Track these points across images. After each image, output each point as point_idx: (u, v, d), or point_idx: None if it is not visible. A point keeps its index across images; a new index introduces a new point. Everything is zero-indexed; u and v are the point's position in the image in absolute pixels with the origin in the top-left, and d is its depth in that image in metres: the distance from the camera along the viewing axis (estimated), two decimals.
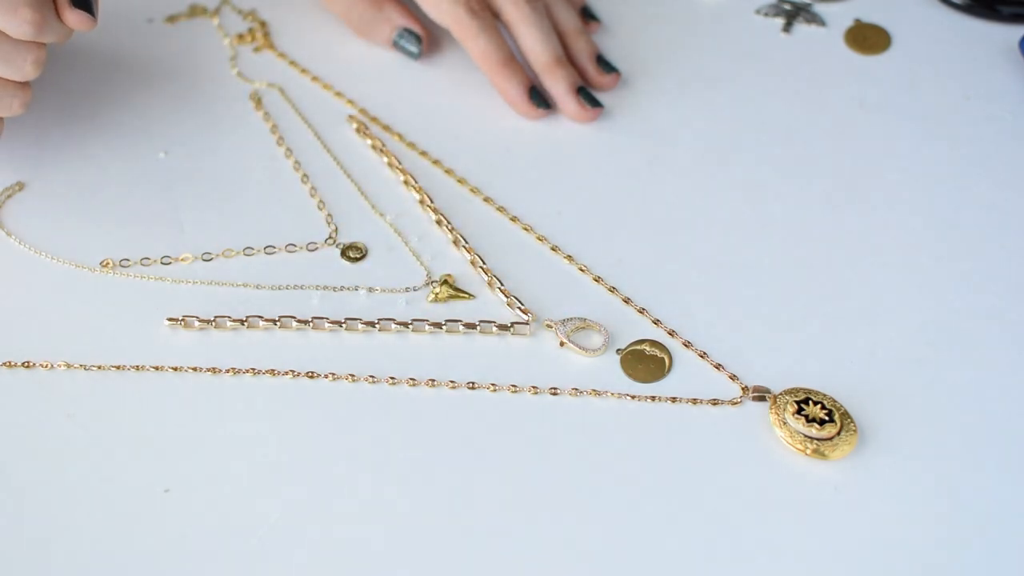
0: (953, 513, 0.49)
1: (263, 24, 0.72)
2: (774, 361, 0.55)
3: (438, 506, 0.50)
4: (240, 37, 0.71)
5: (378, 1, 0.68)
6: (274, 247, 0.60)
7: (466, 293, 0.58)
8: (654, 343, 0.55)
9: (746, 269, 0.58)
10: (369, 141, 0.65)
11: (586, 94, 0.65)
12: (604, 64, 0.67)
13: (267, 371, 0.54)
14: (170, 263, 0.59)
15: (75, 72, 0.68)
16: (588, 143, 0.65)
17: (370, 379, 0.54)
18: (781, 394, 0.53)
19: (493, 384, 0.54)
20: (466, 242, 0.59)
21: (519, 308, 0.56)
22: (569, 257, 0.59)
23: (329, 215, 0.61)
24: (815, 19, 0.71)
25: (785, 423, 0.52)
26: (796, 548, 0.48)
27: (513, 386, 0.54)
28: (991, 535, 0.49)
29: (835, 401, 0.52)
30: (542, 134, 0.65)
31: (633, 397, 0.53)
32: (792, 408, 0.52)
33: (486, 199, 0.62)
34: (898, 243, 0.59)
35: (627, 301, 0.57)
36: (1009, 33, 0.70)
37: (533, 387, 0.54)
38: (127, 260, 0.59)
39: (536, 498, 0.50)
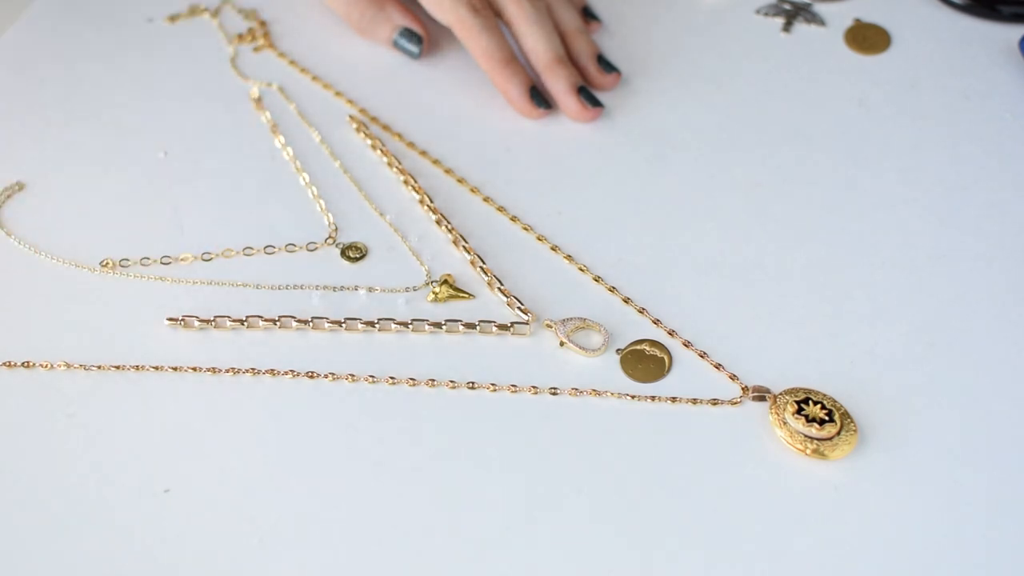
0: (953, 513, 0.49)
1: (263, 24, 0.72)
2: (774, 361, 0.55)
3: (438, 506, 0.50)
4: (240, 37, 0.71)
5: (379, 0, 0.68)
6: (274, 247, 0.60)
7: (466, 293, 0.58)
8: (654, 343, 0.55)
9: (746, 269, 0.58)
10: (369, 141, 0.65)
11: (587, 94, 0.65)
12: (605, 64, 0.67)
13: (267, 371, 0.54)
14: (170, 263, 0.59)
15: (75, 72, 0.69)
16: (588, 143, 0.65)
17: (370, 379, 0.54)
18: (781, 394, 0.53)
19: (493, 384, 0.54)
20: (466, 242, 0.59)
21: (519, 308, 0.56)
22: (569, 257, 0.59)
23: (329, 215, 0.61)
24: (815, 19, 0.71)
25: (785, 423, 0.52)
26: (796, 548, 0.48)
27: (513, 386, 0.54)
28: (991, 535, 0.48)
29: (835, 401, 0.52)
30: (542, 134, 0.65)
31: (633, 397, 0.53)
32: (792, 408, 0.52)
33: (486, 199, 0.62)
34: (898, 243, 0.59)
35: (627, 301, 0.57)
36: (1009, 33, 0.70)
37: (533, 387, 0.54)
38: (127, 260, 0.59)
39: (536, 498, 0.50)
